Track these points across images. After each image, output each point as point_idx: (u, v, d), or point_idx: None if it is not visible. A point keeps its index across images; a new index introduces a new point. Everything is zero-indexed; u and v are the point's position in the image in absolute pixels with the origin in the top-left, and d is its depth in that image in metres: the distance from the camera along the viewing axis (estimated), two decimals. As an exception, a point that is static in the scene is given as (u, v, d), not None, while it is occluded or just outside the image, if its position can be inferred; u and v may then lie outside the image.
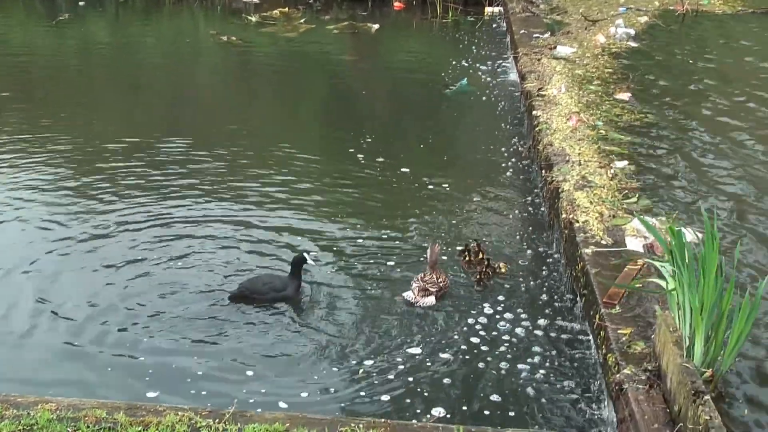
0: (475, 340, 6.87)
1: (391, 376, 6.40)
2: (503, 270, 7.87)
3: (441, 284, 7.45)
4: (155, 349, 6.74)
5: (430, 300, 7.36)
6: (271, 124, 12.48)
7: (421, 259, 7.98)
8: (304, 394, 6.20)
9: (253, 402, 6.04)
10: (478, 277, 7.74)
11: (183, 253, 8.24)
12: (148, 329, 7.02)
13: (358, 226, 8.86)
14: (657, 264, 5.91)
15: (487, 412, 6.02)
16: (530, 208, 9.32)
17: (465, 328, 7.04)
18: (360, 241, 8.50)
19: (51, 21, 19.32)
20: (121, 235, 8.60)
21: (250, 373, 6.46)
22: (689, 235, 6.61)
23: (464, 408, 6.07)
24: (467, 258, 8.07)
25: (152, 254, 8.19)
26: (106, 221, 8.92)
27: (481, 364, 6.56)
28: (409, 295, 7.40)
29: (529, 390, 6.25)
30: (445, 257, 8.10)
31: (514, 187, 9.94)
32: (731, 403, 5.47)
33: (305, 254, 7.55)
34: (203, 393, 6.18)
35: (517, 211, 9.27)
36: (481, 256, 7.98)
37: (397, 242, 8.53)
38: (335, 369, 6.54)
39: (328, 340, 6.92)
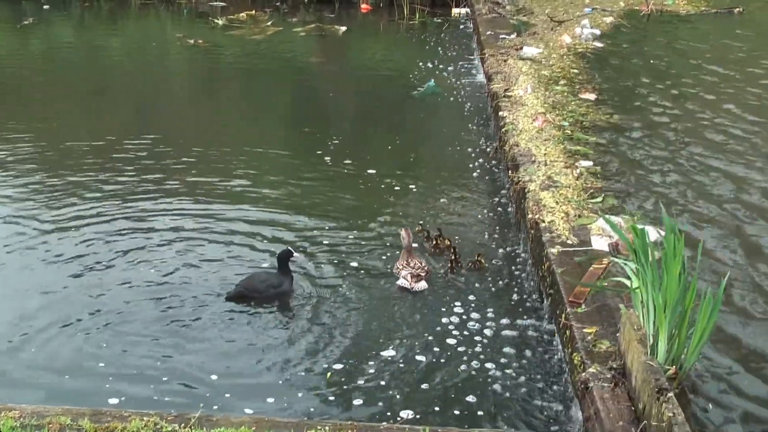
0: (447, 340, 6.87)
1: (360, 380, 6.39)
2: (483, 262, 7.99)
3: (426, 268, 7.78)
4: (118, 354, 6.69)
5: (423, 284, 7.65)
6: (238, 127, 12.45)
7: (397, 252, 8.12)
8: (270, 399, 6.17)
9: (220, 407, 6.02)
10: (449, 265, 7.93)
11: (149, 257, 8.18)
12: (111, 333, 6.96)
13: (325, 228, 8.84)
14: (621, 263, 5.96)
15: (456, 412, 6.03)
16: (498, 209, 9.35)
17: (437, 328, 7.04)
18: (326, 242, 8.49)
19: (15, 25, 19.16)
20: (83, 237, 8.53)
21: (214, 377, 6.43)
22: (653, 233, 6.68)
23: (436, 409, 6.07)
24: (435, 243, 8.31)
25: (116, 258, 8.12)
26: (70, 223, 8.85)
27: (451, 365, 6.56)
28: (403, 282, 7.67)
29: (498, 389, 6.26)
30: (415, 244, 8.13)
31: (482, 188, 9.97)
32: (695, 399, 5.53)
33: (290, 248, 7.65)
34: (167, 399, 6.14)
35: (485, 212, 9.29)
36: (447, 242, 8.25)
37: (363, 242, 8.52)
38: (303, 372, 6.52)
39: (296, 341, 6.90)
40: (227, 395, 6.22)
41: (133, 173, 10.25)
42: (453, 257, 7.97)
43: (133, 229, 8.76)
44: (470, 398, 6.17)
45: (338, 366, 6.56)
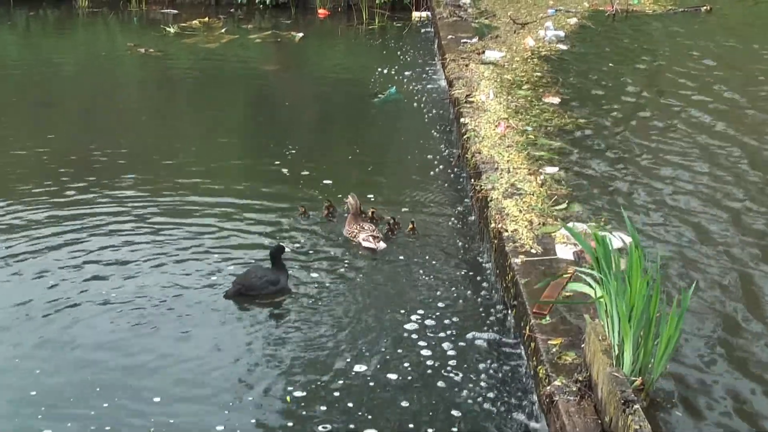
0: (411, 354, 6.88)
1: (320, 405, 6.34)
2: (415, 229, 8.84)
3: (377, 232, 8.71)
4: (50, 382, 6.57)
5: (383, 245, 8.60)
6: (192, 138, 12.38)
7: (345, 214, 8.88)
8: (219, 428, 6.10)
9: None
10: (387, 229, 8.86)
11: (93, 274, 8.14)
12: (46, 356, 6.88)
13: (282, 240, 8.81)
14: (585, 272, 5.99)
15: (427, 429, 6.03)
16: (461, 218, 9.38)
17: (398, 341, 7.05)
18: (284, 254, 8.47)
19: (-44, 36, 18.98)
20: (30, 258, 8.44)
21: (157, 399, 6.37)
22: (617, 241, 6.72)
23: (397, 425, 6.07)
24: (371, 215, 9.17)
25: (62, 280, 8.04)
26: (19, 242, 8.76)
27: (417, 379, 6.57)
28: (368, 243, 8.56)
29: (463, 405, 6.27)
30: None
31: (444, 197, 10.00)
32: (663, 410, 5.56)
33: (282, 244, 7.99)
34: (107, 428, 6.05)
35: (447, 221, 9.32)
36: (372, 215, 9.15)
37: (320, 252, 8.53)
38: (256, 394, 6.48)
39: (250, 358, 6.87)
40: (171, 421, 6.14)
41: (82, 189, 10.14)
42: (394, 224, 8.92)
43: (81, 249, 8.67)
44: (435, 413, 6.18)
45: (297, 392, 6.54)
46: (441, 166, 10.83)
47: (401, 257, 8.52)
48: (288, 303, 7.71)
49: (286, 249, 7.99)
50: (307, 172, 10.65)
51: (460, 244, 8.80)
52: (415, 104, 13.54)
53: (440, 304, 7.61)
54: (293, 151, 11.38)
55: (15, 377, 6.63)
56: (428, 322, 7.35)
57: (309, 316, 7.48)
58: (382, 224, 9.02)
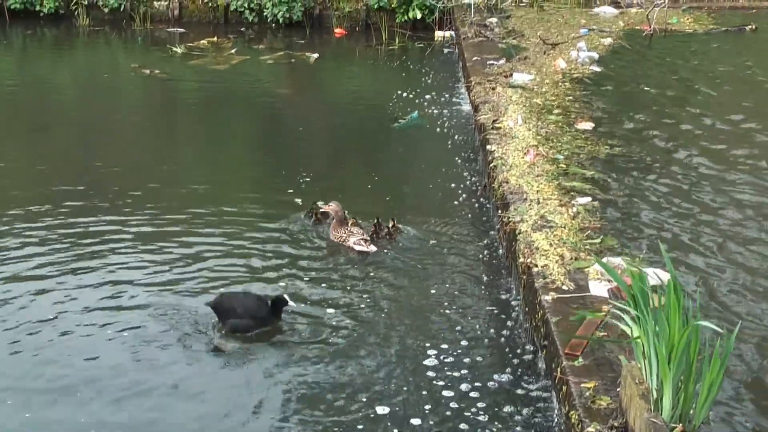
0: (434, 396, 6.92)
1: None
2: (399, 228, 9.74)
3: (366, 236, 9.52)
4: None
5: (374, 247, 9.45)
6: (200, 165, 12.50)
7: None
8: None
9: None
10: (372, 230, 9.68)
11: (96, 304, 8.26)
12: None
13: (296, 274, 8.90)
14: (620, 310, 6.02)
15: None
16: (487, 252, 9.44)
17: (418, 380, 7.11)
18: (299, 291, 8.55)
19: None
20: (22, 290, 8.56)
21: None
22: (655, 277, 6.75)
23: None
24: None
25: (62, 306, 8.19)
26: (23, 272, 8.90)
27: (440, 423, 6.60)
28: (360, 247, 9.38)
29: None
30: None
31: (470, 229, 10.06)
32: (705, 460, 5.57)
33: (285, 296, 7.96)
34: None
35: (472, 255, 9.38)
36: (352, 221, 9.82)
37: (337, 291, 8.61)
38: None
39: (260, 397, 6.95)
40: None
41: (84, 218, 10.25)
42: (374, 227, 9.73)
43: (82, 282, 8.77)
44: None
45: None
46: (465, 196, 10.91)
47: (421, 291, 8.59)
48: (300, 334, 7.78)
49: (289, 303, 7.93)
50: (322, 202, 10.73)
51: (485, 279, 8.85)
52: (437, 130, 13.65)
53: (463, 342, 7.66)
54: (307, 179, 11.49)
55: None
56: (449, 359, 7.40)
57: (321, 351, 7.54)
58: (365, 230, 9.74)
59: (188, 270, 9.00)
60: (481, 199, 10.77)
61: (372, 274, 8.99)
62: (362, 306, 8.33)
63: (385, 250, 9.51)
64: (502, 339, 7.74)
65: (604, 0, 20.78)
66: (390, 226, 9.78)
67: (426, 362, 7.37)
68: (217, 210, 10.51)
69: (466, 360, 7.40)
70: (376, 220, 9.81)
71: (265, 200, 10.93)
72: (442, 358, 7.43)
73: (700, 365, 5.45)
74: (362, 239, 9.43)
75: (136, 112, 15.60)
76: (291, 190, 11.09)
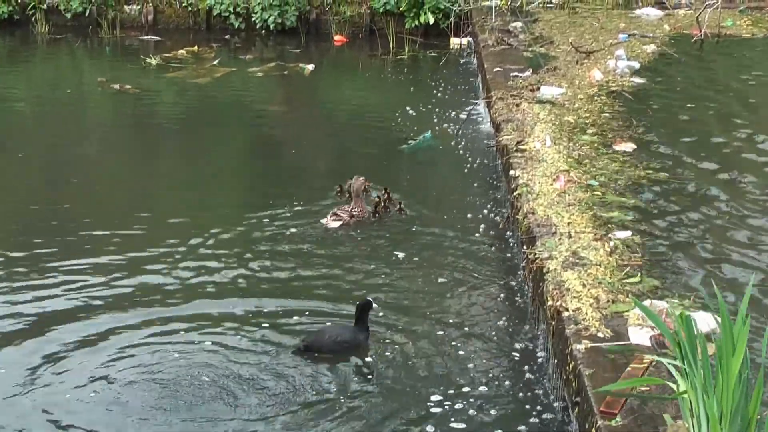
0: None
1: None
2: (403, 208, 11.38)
3: (355, 212, 11.15)
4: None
5: (335, 224, 11.02)
6: (180, 195, 12.51)
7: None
8: None
9: None
10: (374, 207, 11.29)
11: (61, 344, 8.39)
12: None
13: (293, 315, 8.97)
14: (666, 361, 6.04)
15: None
16: (510, 294, 9.48)
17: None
18: (296, 329, 8.70)
19: None
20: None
21: None
22: (705, 323, 6.78)
23: None
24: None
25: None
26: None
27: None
28: (323, 220, 11.10)
29: None
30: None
31: (490, 268, 10.10)
32: None
33: (370, 299, 8.68)
34: None
35: (494, 297, 9.43)
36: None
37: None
38: None
39: None
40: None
41: (44, 250, 10.34)
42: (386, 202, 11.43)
43: (41, 316, 8.85)
44: None
45: None
46: (485, 229, 10.96)
47: (434, 336, 8.67)
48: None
49: (374, 306, 8.66)
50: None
51: (507, 324, 8.88)
52: (453, 153, 13.71)
53: (479, 393, 7.73)
54: (302, 209, 11.54)
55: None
56: (460, 408, 7.48)
57: (332, 403, 7.62)
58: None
59: (163, 315, 9.08)
60: (506, 233, 10.81)
61: (382, 314, 9.03)
62: (371, 348, 8.49)
63: (399, 285, 9.64)
64: (527, 393, 7.76)
65: (647, 0, 20.89)
66: (385, 198, 11.51)
67: (434, 410, 7.46)
68: (194, 248, 10.56)
69: (487, 423, 7.44)
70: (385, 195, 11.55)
71: (253, 237, 10.96)
72: (452, 407, 7.50)
73: (759, 426, 5.46)
74: (332, 212, 11.18)
75: (103, 133, 15.64)
76: (280, 223, 11.15)
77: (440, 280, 9.78)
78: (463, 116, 15.33)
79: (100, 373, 8.12)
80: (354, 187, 11.39)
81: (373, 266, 10.14)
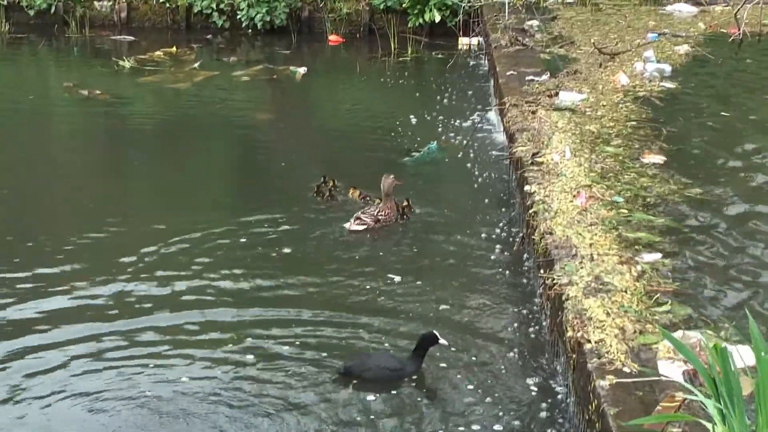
0: None
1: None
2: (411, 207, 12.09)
3: (380, 216, 11.79)
4: None
5: (359, 228, 11.67)
6: (155, 213, 12.50)
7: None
8: None
9: None
10: (401, 213, 12.04)
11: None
12: None
13: (291, 343, 9.03)
14: (701, 398, 6.05)
15: None
16: (526, 323, 9.51)
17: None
18: (288, 366, 8.73)
19: None
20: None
21: None
22: (743, 356, 6.79)
23: None
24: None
25: None
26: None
27: None
28: (346, 224, 11.78)
29: None
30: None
31: (504, 293, 10.14)
32: None
33: (435, 332, 8.82)
34: None
35: (507, 326, 9.47)
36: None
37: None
38: None
39: None
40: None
41: (6, 275, 10.41)
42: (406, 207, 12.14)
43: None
44: None
45: None
46: (498, 250, 10.99)
47: (443, 374, 8.70)
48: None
49: (441, 341, 8.82)
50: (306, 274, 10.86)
51: (522, 358, 8.91)
52: (461, 166, 13.73)
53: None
54: (294, 229, 11.57)
55: None
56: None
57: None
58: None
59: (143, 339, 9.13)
60: (522, 255, 10.84)
61: (385, 343, 9.15)
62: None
63: (402, 311, 9.75)
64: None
65: (678, -5, 20.95)
66: (404, 205, 12.09)
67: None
68: (177, 271, 10.61)
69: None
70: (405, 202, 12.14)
71: (238, 258, 11.00)
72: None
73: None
74: (356, 216, 11.79)
75: (70, 145, 15.66)
76: (266, 246, 11.19)
77: (447, 307, 9.82)
78: (473, 125, 15.36)
79: (81, 388, 8.36)
80: (384, 186, 11.91)
81: (374, 287, 10.23)
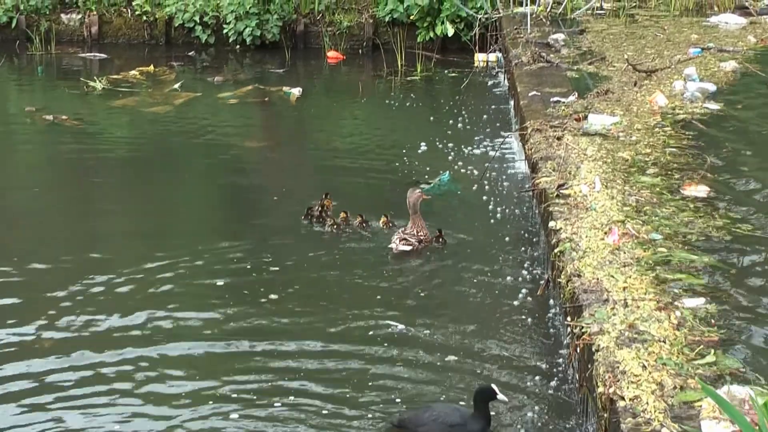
0: None
1: None
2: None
3: (421, 237, 12.43)
4: None
5: (405, 248, 12.29)
6: (128, 256, 12.53)
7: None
8: None
9: None
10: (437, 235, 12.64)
11: None
12: None
13: (290, 408, 9.07)
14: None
15: None
16: (551, 377, 9.51)
17: None
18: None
19: None
20: None
21: None
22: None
23: None
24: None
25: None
26: None
27: None
28: (392, 245, 12.36)
29: None
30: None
31: (526, 343, 10.16)
32: None
33: (494, 387, 8.89)
34: None
35: (530, 381, 9.49)
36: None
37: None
38: None
39: None
40: None
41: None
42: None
43: None
44: None
45: None
46: (522, 295, 11.01)
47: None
48: None
49: (499, 397, 8.85)
50: (309, 309, 10.86)
51: (547, 419, 8.92)
52: (478, 199, 13.76)
53: None
54: (287, 277, 11.60)
55: None
56: None
57: None
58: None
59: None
60: (549, 300, 10.86)
61: (398, 400, 9.19)
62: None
63: (412, 363, 9.76)
64: None
65: (725, 5, 20.93)
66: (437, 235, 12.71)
67: None
68: (153, 327, 10.66)
69: None
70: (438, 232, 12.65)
71: (226, 310, 11.03)
72: None
73: None
74: (399, 237, 12.42)
75: (32, 178, 15.65)
76: (263, 300, 11.21)
77: (456, 355, 9.85)
78: (491, 152, 15.41)
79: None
80: (410, 202, 12.63)
81: (377, 333, 10.30)
